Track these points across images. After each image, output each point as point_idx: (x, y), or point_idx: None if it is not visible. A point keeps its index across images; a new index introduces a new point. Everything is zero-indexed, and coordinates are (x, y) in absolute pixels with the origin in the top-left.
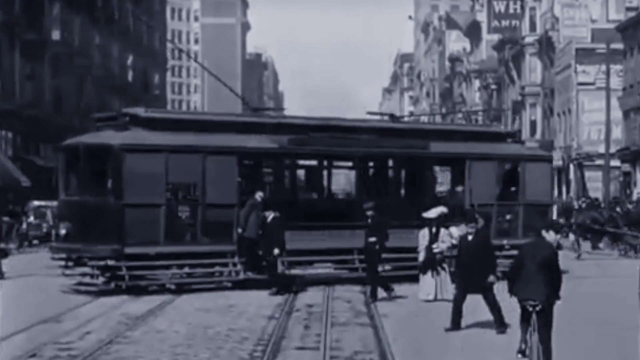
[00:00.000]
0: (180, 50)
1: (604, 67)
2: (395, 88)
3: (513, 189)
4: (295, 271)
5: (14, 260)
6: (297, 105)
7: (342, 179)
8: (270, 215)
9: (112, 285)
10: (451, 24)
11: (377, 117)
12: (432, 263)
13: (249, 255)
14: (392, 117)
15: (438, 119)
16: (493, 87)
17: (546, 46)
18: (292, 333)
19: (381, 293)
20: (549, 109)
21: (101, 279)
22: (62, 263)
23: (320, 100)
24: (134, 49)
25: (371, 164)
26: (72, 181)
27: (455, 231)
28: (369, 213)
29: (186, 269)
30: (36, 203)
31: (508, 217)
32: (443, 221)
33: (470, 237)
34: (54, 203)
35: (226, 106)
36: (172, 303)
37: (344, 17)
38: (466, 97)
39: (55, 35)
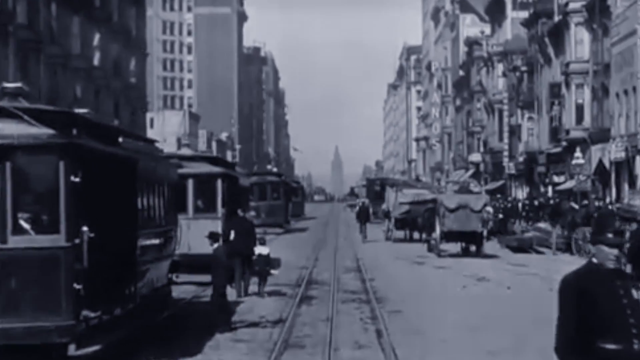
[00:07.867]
0: None
1: None
2: (401, 83)
3: None
4: None
5: None
6: (297, 102)
7: None
8: None
9: None
10: (465, 7)
11: None
12: None
13: None
14: None
15: (452, 111)
16: (523, 69)
17: (599, 11)
18: None
19: None
20: (602, 89)
21: None
22: None
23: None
24: (102, 27)
25: None
26: None
27: None
28: None
29: None
30: None
31: None
32: None
33: None
34: None
35: (220, 104)
36: None
37: (346, 12)
38: (486, 84)
39: None
